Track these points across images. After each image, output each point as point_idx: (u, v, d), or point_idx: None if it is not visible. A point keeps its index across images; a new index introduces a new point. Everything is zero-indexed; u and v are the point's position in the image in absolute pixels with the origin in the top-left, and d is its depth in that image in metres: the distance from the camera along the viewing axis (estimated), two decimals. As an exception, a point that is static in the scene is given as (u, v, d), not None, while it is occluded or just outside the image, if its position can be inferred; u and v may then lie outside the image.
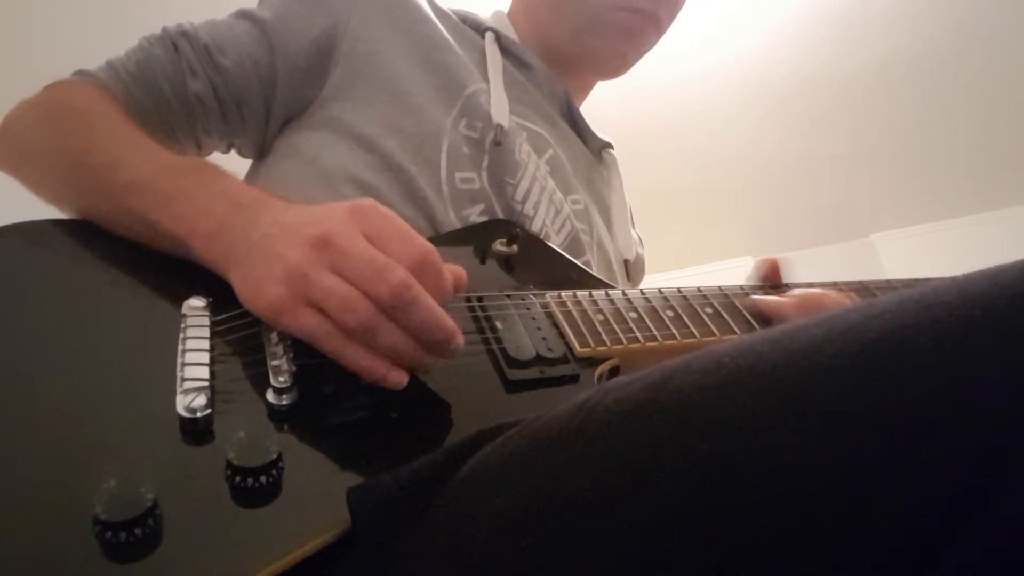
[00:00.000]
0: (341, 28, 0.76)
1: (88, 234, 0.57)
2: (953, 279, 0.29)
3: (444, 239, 0.67)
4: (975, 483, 0.24)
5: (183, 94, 0.71)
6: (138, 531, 0.36)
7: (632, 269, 0.88)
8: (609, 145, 0.94)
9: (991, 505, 0.23)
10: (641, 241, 0.99)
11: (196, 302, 0.51)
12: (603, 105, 2.58)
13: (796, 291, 0.64)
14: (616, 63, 0.88)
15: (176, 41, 0.71)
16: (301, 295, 0.45)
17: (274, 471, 0.40)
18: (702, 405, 0.31)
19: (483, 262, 0.65)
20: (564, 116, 0.89)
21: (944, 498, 0.24)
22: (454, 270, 0.49)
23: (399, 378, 0.46)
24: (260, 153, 0.79)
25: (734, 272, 3.48)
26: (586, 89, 0.97)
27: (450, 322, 0.46)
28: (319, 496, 0.41)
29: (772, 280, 0.67)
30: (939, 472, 0.25)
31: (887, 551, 0.25)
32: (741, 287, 0.66)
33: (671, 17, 0.88)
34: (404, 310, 0.45)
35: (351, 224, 0.47)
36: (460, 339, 0.47)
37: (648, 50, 0.89)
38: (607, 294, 0.62)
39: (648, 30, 0.84)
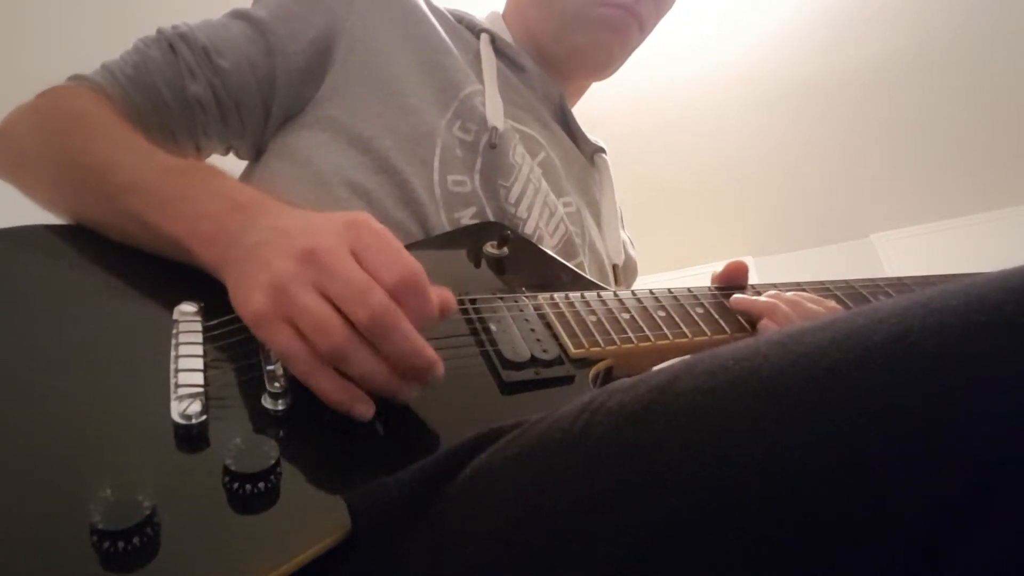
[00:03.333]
0: (339, 28, 0.76)
1: (82, 239, 0.57)
2: (958, 283, 0.29)
3: (435, 241, 0.67)
4: (980, 487, 0.24)
5: (182, 97, 0.70)
6: (136, 540, 0.35)
7: (621, 273, 0.88)
8: (602, 149, 0.94)
9: (996, 510, 0.23)
10: (632, 243, 0.99)
11: (187, 307, 0.51)
12: (603, 106, 2.60)
13: (770, 293, 0.64)
14: (601, 59, 0.88)
15: (173, 43, 0.71)
16: (280, 310, 0.44)
17: (272, 476, 0.40)
18: (707, 407, 0.31)
19: (475, 264, 0.65)
20: (557, 119, 0.89)
21: (948, 502, 0.24)
22: (441, 293, 0.48)
23: (365, 411, 0.45)
24: (257, 155, 0.79)
25: (734, 272, 3.47)
26: (580, 92, 0.97)
27: (430, 351, 0.45)
28: (318, 501, 0.41)
29: (737, 282, 0.67)
30: (943, 476, 0.24)
31: (891, 555, 0.25)
32: (708, 288, 0.66)
33: (655, 15, 0.88)
34: (382, 336, 0.43)
35: (341, 239, 0.46)
36: (440, 369, 0.46)
37: (633, 47, 0.89)
38: (599, 295, 0.62)
39: (630, 25, 0.84)
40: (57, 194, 0.61)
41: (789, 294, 0.63)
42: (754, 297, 0.62)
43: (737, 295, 0.63)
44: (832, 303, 0.62)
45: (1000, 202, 3.40)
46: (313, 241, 0.45)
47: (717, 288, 0.67)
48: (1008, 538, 0.23)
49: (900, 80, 2.81)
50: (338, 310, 0.44)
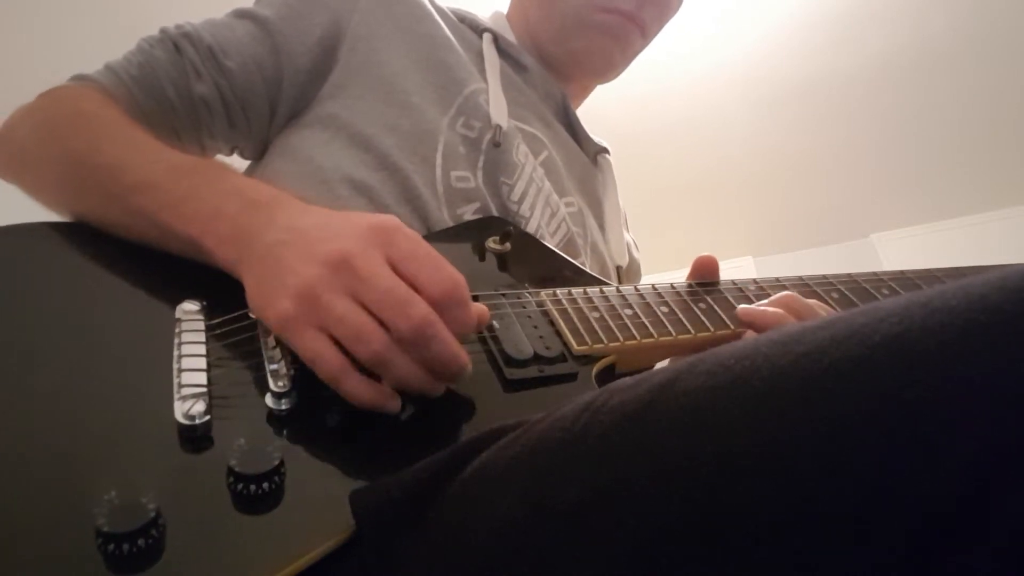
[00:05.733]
0: (343, 26, 0.75)
1: (84, 236, 0.57)
2: (958, 283, 0.29)
3: (437, 237, 0.66)
4: (979, 487, 0.24)
5: (188, 97, 0.69)
6: (141, 542, 0.35)
7: (625, 275, 0.87)
8: (605, 150, 0.93)
9: (995, 509, 0.23)
10: (636, 246, 0.99)
11: (190, 306, 0.51)
12: (605, 106, 2.60)
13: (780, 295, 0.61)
14: (602, 64, 0.87)
15: (178, 43, 0.70)
16: (311, 316, 0.44)
17: (276, 477, 0.40)
18: (707, 407, 0.31)
19: (477, 260, 0.65)
20: (560, 119, 0.88)
21: (948, 501, 0.24)
22: (479, 308, 0.48)
23: (396, 406, 0.46)
24: (260, 155, 0.78)
25: (734, 272, 3.48)
26: (583, 92, 0.97)
27: (464, 355, 0.46)
28: (322, 501, 0.41)
29: (707, 278, 0.66)
30: (942, 475, 0.24)
31: (892, 553, 0.25)
32: (672, 285, 0.64)
33: (658, 21, 0.87)
34: (423, 346, 0.44)
35: (373, 245, 0.45)
36: (470, 367, 0.47)
37: (635, 52, 0.88)
38: (602, 291, 0.61)
39: (631, 31, 0.84)
40: (63, 195, 0.61)
41: (811, 301, 0.60)
42: (763, 309, 0.59)
43: (743, 306, 0.61)
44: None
45: (1000, 202, 3.41)
46: (343, 245, 0.45)
47: (702, 283, 0.65)
48: (1007, 537, 0.23)
49: (900, 80, 2.82)
50: (373, 316, 0.44)
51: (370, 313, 0.44)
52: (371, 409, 0.45)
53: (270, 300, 0.45)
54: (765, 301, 0.60)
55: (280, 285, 0.45)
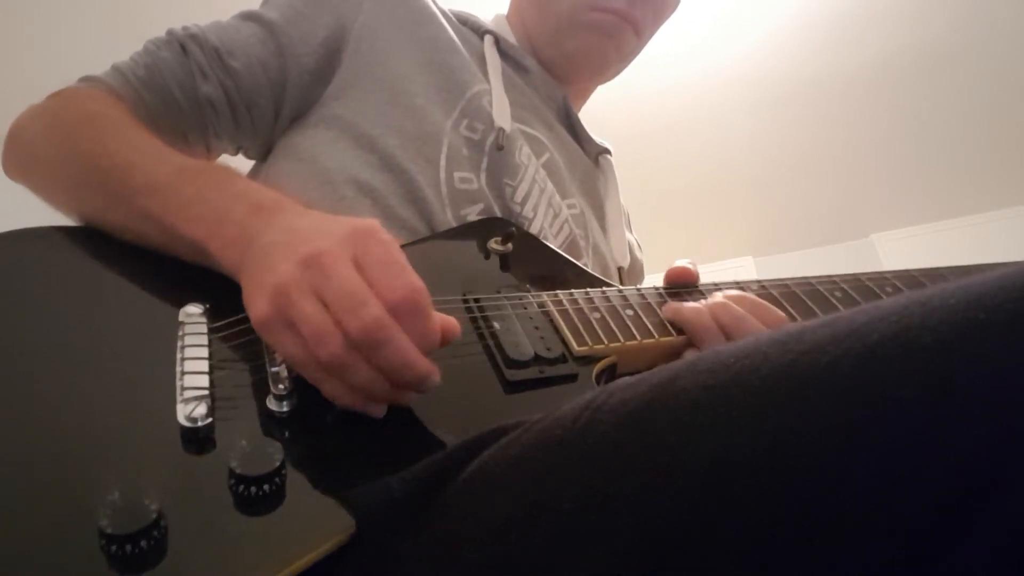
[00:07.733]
0: (348, 28, 0.76)
1: (89, 241, 0.57)
2: (957, 282, 0.29)
3: (440, 237, 0.67)
4: (978, 484, 0.24)
5: (194, 97, 0.70)
6: (144, 543, 0.35)
7: (627, 276, 0.88)
8: (607, 151, 0.93)
9: (993, 506, 0.23)
10: (639, 246, 0.99)
11: (193, 309, 0.51)
12: (605, 108, 2.61)
13: (717, 295, 0.60)
14: (598, 63, 0.87)
15: (184, 44, 0.71)
16: (282, 315, 0.44)
17: (277, 479, 0.40)
18: (707, 405, 0.31)
19: (479, 261, 0.65)
20: (561, 120, 0.89)
21: (947, 499, 0.24)
22: (446, 320, 0.47)
23: (377, 411, 0.45)
24: (265, 155, 0.78)
25: (734, 272, 3.49)
26: (584, 93, 0.97)
27: (423, 364, 0.44)
28: (323, 502, 0.41)
29: (685, 283, 0.65)
30: (942, 473, 0.25)
31: (891, 551, 0.25)
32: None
33: (653, 19, 0.87)
34: (373, 349, 0.42)
35: (346, 246, 0.45)
36: (436, 378, 0.45)
37: (631, 51, 0.88)
38: (603, 292, 0.61)
39: (624, 29, 0.84)
40: (70, 196, 0.61)
41: (727, 295, 0.59)
42: (689, 305, 0.59)
43: (670, 303, 0.60)
44: (780, 314, 0.58)
45: (1000, 202, 3.41)
46: (317, 245, 0.45)
47: (704, 284, 0.65)
48: (1006, 534, 0.23)
49: (900, 80, 2.82)
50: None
51: (332, 316, 0.43)
52: (354, 409, 0.45)
53: (253, 300, 0.45)
54: (706, 301, 0.59)
55: (261, 284, 0.45)
